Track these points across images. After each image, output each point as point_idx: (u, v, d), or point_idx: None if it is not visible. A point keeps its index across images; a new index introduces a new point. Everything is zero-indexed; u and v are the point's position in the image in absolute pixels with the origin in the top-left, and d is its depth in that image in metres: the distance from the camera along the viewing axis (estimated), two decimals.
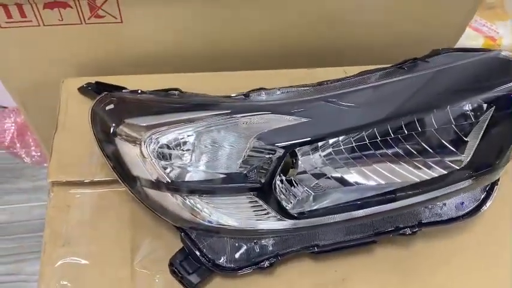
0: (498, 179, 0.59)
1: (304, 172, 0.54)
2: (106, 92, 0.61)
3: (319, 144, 0.52)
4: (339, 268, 0.59)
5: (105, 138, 0.55)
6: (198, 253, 0.54)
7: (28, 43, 0.68)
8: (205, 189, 0.51)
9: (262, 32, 0.74)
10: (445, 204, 0.58)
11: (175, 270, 0.54)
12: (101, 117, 0.56)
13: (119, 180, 0.55)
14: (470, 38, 1.01)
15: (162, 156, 0.52)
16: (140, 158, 0.52)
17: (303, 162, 0.53)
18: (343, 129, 0.50)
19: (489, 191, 0.59)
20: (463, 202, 0.58)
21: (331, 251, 0.57)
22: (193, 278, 0.54)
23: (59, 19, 0.66)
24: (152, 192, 0.53)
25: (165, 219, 0.55)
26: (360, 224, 0.57)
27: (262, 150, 0.49)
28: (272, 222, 0.52)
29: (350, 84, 0.53)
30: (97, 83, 0.68)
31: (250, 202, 0.51)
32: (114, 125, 0.54)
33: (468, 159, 0.54)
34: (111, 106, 0.56)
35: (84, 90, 0.68)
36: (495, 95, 0.52)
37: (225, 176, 0.51)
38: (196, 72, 0.70)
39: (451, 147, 0.55)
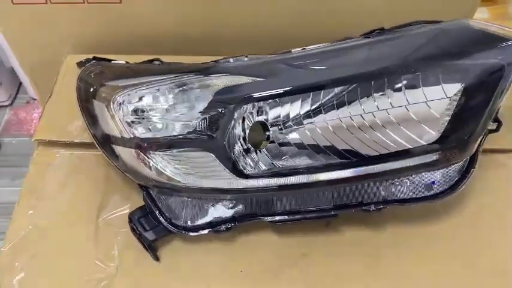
0: (475, 162, 0.56)
1: (272, 142, 0.55)
2: (94, 61, 0.65)
3: (286, 113, 0.53)
4: (301, 243, 0.58)
5: (85, 100, 0.58)
6: (156, 211, 0.55)
7: (37, 20, 0.74)
8: (164, 143, 0.52)
9: (261, 17, 0.76)
10: (413, 183, 0.56)
11: (134, 226, 0.56)
12: (84, 81, 0.59)
13: (92, 139, 0.58)
14: None
15: (127, 113, 0.54)
16: (109, 116, 0.55)
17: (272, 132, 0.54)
18: (294, 86, 0.50)
19: (464, 173, 0.56)
20: (434, 182, 0.56)
21: (290, 221, 0.55)
22: (149, 235, 0.55)
23: None
24: (118, 149, 0.56)
25: (130, 178, 0.57)
26: (321, 195, 0.55)
27: (216, 106, 0.50)
28: (226, 180, 0.52)
29: (315, 52, 0.53)
30: (94, 57, 0.72)
31: (205, 158, 0.51)
32: (93, 87, 0.57)
33: (438, 135, 0.52)
34: (94, 72, 0.60)
35: (82, 64, 0.72)
36: (464, 65, 0.50)
37: (183, 130, 0.52)
38: (195, 55, 0.73)
39: (422, 123, 0.53)
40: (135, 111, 0.54)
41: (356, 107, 0.53)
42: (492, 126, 0.56)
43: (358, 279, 0.55)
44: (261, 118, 0.54)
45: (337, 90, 0.52)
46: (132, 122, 0.54)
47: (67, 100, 0.68)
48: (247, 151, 0.54)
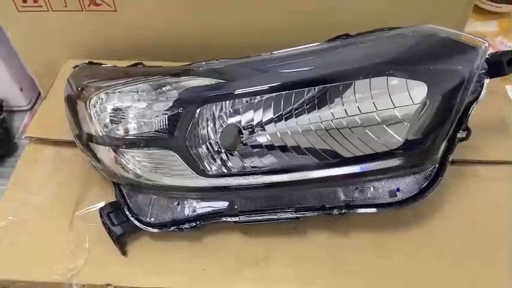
0: (443, 171, 0.55)
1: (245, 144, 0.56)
2: (83, 64, 0.69)
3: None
4: (266, 245, 0.59)
5: (70, 99, 0.62)
6: (125, 207, 0.58)
7: (39, 26, 0.79)
8: (132, 141, 0.55)
9: (254, 23, 0.78)
10: (377, 189, 0.55)
11: (103, 221, 0.58)
12: (71, 83, 0.63)
13: (74, 137, 0.61)
14: None
15: (104, 112, 0.57)
16: (87, 114, 0.58)
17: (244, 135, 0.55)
18: (253, 89, 0.51)
19: (431, 181, 0.55)
20: (398, 189, 0.55)
21: (253, 222, 0.56)
22: (117, 229, 0.57)
23: (63, 5, 0.76)
24: (95, 147, 0.58)
25: (104, 175, 0.60)
26: (285, 197, 0.56)
27: (176, 105, 0.52)
28: (188, 179, 0.54)
29: (279, 56, 0.54)
30: (89, 62, 0.76)
31: (168, 156, 0.53)
32: (77, 88, 0.61)
33: (403, 140, 0.52)
34: (81, 75, 0.64)
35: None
36: (428, 71, 0.50)
37: (149, 130, 0.54)
38: (186, 61, 0.76)
39: (388, 128, 0.54)
40: (114, 110, 0.57)
41: (326, 112, 0.54)
42: (462, 134, 0.55)
43: (318, 283, 0.55)
44: (234, 120, 0.56)
45: (308, 96, 0.54)
46: (110, 121, 0.56)
47: (61, 101, 0.72)
48: (216, 151, 0.55)
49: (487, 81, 0.54)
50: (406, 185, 0.55)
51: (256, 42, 0.79)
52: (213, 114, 0.56)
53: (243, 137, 0.57)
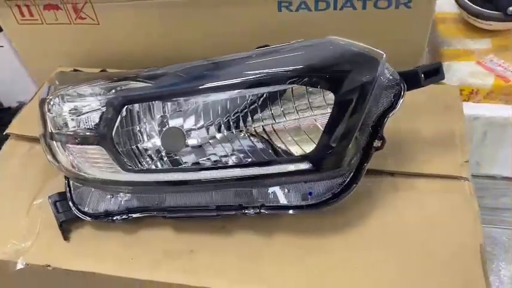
0: (358, 178, 0.57)
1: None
2: (61, 71, 0.77)
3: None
4: (192, 241, 0.62)
5: (42, 101, 0.70)
6: (68, 196, 0.64)
7: (36, 37, 0.89)
8: (73, 138, 0.61)
9: (218, 38, 0.84)
10: (290, 191, 0.58)
11: (51, 208, 0.65)
12: (46, 87, 0.71)
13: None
14: (477, 77, 0.93)
15: (60, 111, 0.64)
16: (45, 113, 0.65)
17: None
18: (170, 91, 0.56)
19: (344, 188, 0.57)
20: (311, 193, 0.57)
21: (176, 218, 0.61)
22: (61, 216, 0.64)
23: (55, 19, 0.86)
24: (50, 143, 0.65)
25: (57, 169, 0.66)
26: (207, 195, 0.60)
27: (106, 105, 0.58)
28: (113, 173, 0.59)
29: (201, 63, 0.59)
30: (74, 69, 0.85)
31: (100, 151, 0.59)
32: (47, 91, 0.68)
33: (313, 145, 0.55)
34: (55, 79, 0.72)
35: None
36: (334, 79, 0.52)
37: (86, 127, 0.60)
38: None
39: (301, 133, 0.57)
40: (69, 110, 0.64)
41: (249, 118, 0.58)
42: (377, 143, 0.57)
43: (233, 276, 0.58)
44: (176, 123, 0.61)
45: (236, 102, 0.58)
46: (63, 119, 0.63)
47: None
48: (144, 149, 0.60)
49: (404, 93, 0.56)
50: (319, 190, 0.57)
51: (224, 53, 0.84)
52: (153, 115, 0.61)
53: (185, 139, 0.61)
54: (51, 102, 0.65)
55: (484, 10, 0.95)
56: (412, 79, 0.56)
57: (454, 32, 1.04)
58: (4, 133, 0.78)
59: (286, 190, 0.58)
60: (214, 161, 0.60)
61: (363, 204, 0.62)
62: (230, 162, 0.58)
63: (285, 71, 0.52)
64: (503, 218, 1.05)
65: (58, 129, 0.63)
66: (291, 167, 0.55)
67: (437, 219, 0.60)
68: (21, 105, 1.04)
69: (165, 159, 0.61)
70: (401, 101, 0.55)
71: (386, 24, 0.75)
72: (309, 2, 0.74)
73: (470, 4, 0.97)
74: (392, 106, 0.55)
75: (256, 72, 0.53)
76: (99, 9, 0.82)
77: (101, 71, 0.74)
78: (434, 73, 0.57)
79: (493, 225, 1.04)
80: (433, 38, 1.06)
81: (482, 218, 1.12)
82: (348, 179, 0.57)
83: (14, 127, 0.78)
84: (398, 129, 0.69)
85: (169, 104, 0.60)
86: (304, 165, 0.55)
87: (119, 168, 0.59)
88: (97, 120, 0.59)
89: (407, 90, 0.56)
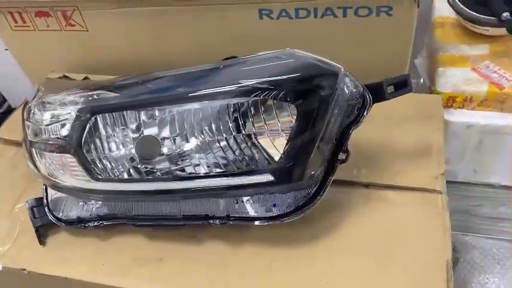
0: (322, 191, 0.56)
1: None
2: (48, 78, 0.79)
3: None
4: (163, 249, 0.63)
5: (28, 109, 0.72)
6: (44, 202, 0.66)
7: (30, 42, 0.92)
8: (47, 146, 0.63)
9: (202, 45, 0.85)
10: (255, 202, 0.58)
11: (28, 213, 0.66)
12: (34, 93, 0.73)
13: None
14: (471, 84, 0.91)
15: (40, 119, 0.66)
16: (24, 120, 0.67)
17: None
18: (135, 102, 0.57)
19: (308, 200, 0.56)
20: (275, 204, 0.57)
21: (144, 226, 0.62)
22: (37, 221, 0.66)
23: (46, 26, 0.88)
24: (30, 150, 0.67)
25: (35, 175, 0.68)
26: (174, 205, 0.61)
27: (79, 114, 0.59)
28: (83, 182, 0.60)
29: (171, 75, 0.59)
30: (64, 75, 0.87)
31: (69, 159, 0.60)
32: (33, 99, 0.70)
33: (278, 157, 0.55)
34: (42, 87, 0.74)
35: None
36: (297, 91, 0.52)
37: (59, 136, 0.62)
38: None
39: (268, 146, 0.57)
40: (49, 117, 0.65)
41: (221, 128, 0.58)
42: (342, 156, 0.56)
43: (201, 284, 0.59)
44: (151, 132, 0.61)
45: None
46: (31, 126, 0.65)
47: None
48: (117, 157, 0.61)
49: (370, 105, 0.55)
50: (284, 201, 0.57)
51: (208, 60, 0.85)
52: (127, 124, 0.62)
53: (160, 148, 0.62)
54: (32, 110, 0.66)
55: (479, 15, 0.92)
56: (377, 92, 0.55)
57: (451, 38, 1.01)
58: None
59: (251, 201, 0.58)
60: (187, 171, 0.60)
61: (332, 215, 0.62)
62: (202, 172, 0.58)
63: (246, 85, 0.52)
64: (501, 228, 1.03)
65: (36, 137, 0.65)
66: (254, 179, 0.55)
67: (405, 233, 0.59)
68: None
69: (139, 166, 0.61)
70: (366, 113, 0.55)
71: (368, 32, 0.74)
72: (289, 10, 0.74)
73: (465, 9, 0.94)
74: (356, 119, 0.55)
75: (222, 84, 0.54)
76: (87, 17, 0.84)
77: (84, 78, 0.76)
78: (402, 85, 0.56)
79: (489, 236, 1.02)
80: (430, 43, 1.04)
81: (480, 227, 1.10)
82: (313, 192, 0.56)
83: (3, 131, 0.80)
84: (376, 139, 0.69)
85: (142, 113, 0.61)
86: (266, 178, 0.55)
87: (89, 178, 0.60)
88: (69, 129, 0.60)
89: (373, 103, 0.55)
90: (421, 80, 1.02)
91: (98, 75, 0.85)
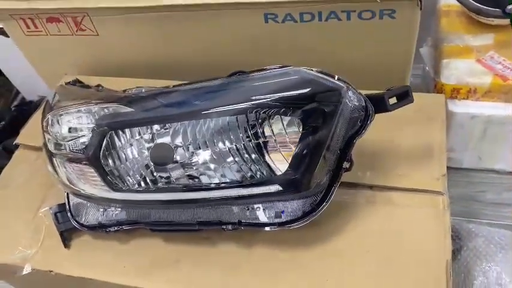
0: (328, 198, 0.59)
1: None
2: (61, 85, 0.82)
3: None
4: (179, 251, 0.67)
5: (43, 116, 0.75)
6: (67, 208, 0.70)
7: (42, 47, 0.94)
8: (69, 157, 0.66)
9: (210, 49, 0.87)
10: (265, 209, 0.61)
11: (52, 218, 0.71)
12: (51, 98, 0.76)
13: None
14: (475, 75, 0.92)
15: (57, 129, 0.69)
16: (43, 130, 0.71)
17: None
18: (151, 118, 0.60)
19: (315, 206, 0.60)
20: (283, 211, 0.61)
21: (162, 231, 0.66)
22: (61, 227, 0.70)
23: (58, 31, 0.90)
24: (51, 159, 0.71)
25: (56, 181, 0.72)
26: (189, 212, 0.64)
27: (94, 128, 0.62)
28: (103, 191, 0.64)
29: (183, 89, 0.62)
30: (77, 79, 0.89)
31: (89, 170, 0.64)
32: (48, 107, 0.73)
33: (285, 168, 0.58)
34: (57, 94, 0.77)
35: (70, 84, 0.91)
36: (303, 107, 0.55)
37: (77, 148, 0.65)
38: (158, 78, 0.86)
39: (275, 157, 0.60)
40: (66, 130, 0.69)
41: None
42: (346, 165, 0.59)
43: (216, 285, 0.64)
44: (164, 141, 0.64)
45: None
46: (51, 138, 0.68)
47: None
48: (133, 166, 0.65)
49: (372, 117, 0.58)
50: (292, 208, 0.60)
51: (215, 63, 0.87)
52: (141, 135, 0.65)
53: (173, 155, 0.65)
54: (49, 122, 0.70)
55: (483, 7, 0.93)
56: (379, 103, 0.57)
57: (456, 27, 1.01)
58: (14, 143, 0.84)
59: (262, 208, 0.62)
60: (202, 181, 0.63)
61: (338, 217, 0.65)
62: (215, 182, 0.62)
63: (258, 102, 0.55)
64: (504, 214, 1.05)
65: (56, 149, 0.68)
66: (264, 189, 0.58)
67: (407, 234, 0.63)
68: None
69: (155, 174, 0.65)
70: (369, 124, 0.58)
71: (371, 35, 0.76)
72: (294, 14, 0.75)
73: (470, 1, 0.95)
74: (359, 130, 0.57)
75: (234, 101, 0.57)
76: (97, 22, 0.86)
77: (97, 85, 0.78)
78: (404, 96, 0.58)
79: (492, 221, 1.05)
80: (435, 33, 1.05)
81: (484, 213, 1.12)
82: (319, 198, 0.60)
83: (23, 137, 0.84)
84: (379, 141, 0.71)
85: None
86: (275, 188, 0.58)
87: (108, 188, 0.63)
88: (87, 144, 0.64)
89: (375, 113, 0.58)
90: (427, 68, 1.03)
91: (109, 77, 0.88)
